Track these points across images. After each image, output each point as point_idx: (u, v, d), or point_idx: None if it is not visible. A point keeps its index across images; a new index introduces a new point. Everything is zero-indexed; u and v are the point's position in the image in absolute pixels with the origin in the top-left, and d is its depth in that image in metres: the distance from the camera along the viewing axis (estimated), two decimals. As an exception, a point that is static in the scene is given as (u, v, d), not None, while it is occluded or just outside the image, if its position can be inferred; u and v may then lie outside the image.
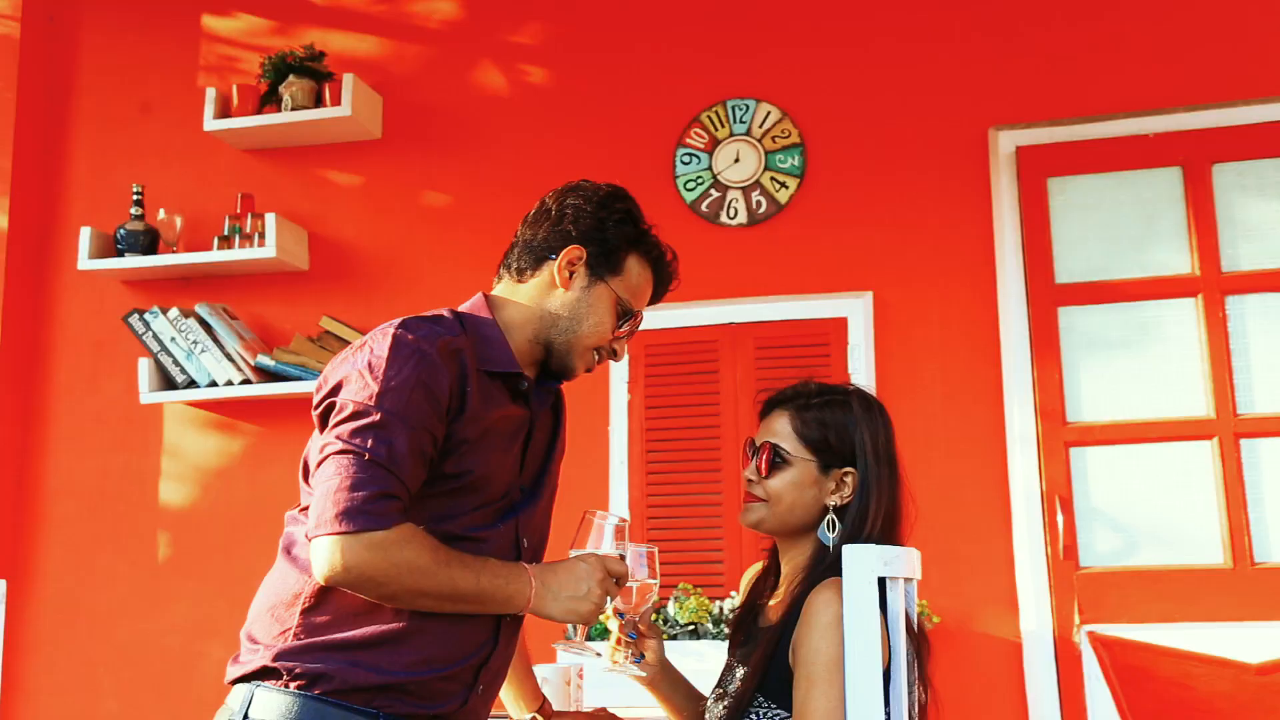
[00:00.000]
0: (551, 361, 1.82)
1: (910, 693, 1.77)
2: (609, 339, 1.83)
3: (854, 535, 1.81)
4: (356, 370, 1.64)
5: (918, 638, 1.83)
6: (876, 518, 1.83)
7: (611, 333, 1.82)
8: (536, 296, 1.81)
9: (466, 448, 1.68)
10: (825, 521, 1.85)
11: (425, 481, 1.65)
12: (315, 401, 1.70)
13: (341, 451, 1.59)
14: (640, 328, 1.90)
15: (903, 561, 1.78)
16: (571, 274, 1.80)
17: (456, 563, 1.63)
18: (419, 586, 1.60)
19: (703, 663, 2.97)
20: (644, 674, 1.90)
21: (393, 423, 1.59)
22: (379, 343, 1.66)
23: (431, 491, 1.66)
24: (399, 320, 1.69)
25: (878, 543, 1.77)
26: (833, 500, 1.86)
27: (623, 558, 1.75)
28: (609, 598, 1.73)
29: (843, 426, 1.87)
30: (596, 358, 1.85)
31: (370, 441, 1.58)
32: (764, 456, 1.88)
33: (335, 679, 1.62)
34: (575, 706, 2.45)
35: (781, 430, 1.90)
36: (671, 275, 1.89)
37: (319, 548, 1.57)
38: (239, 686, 1.68)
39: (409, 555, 1.57)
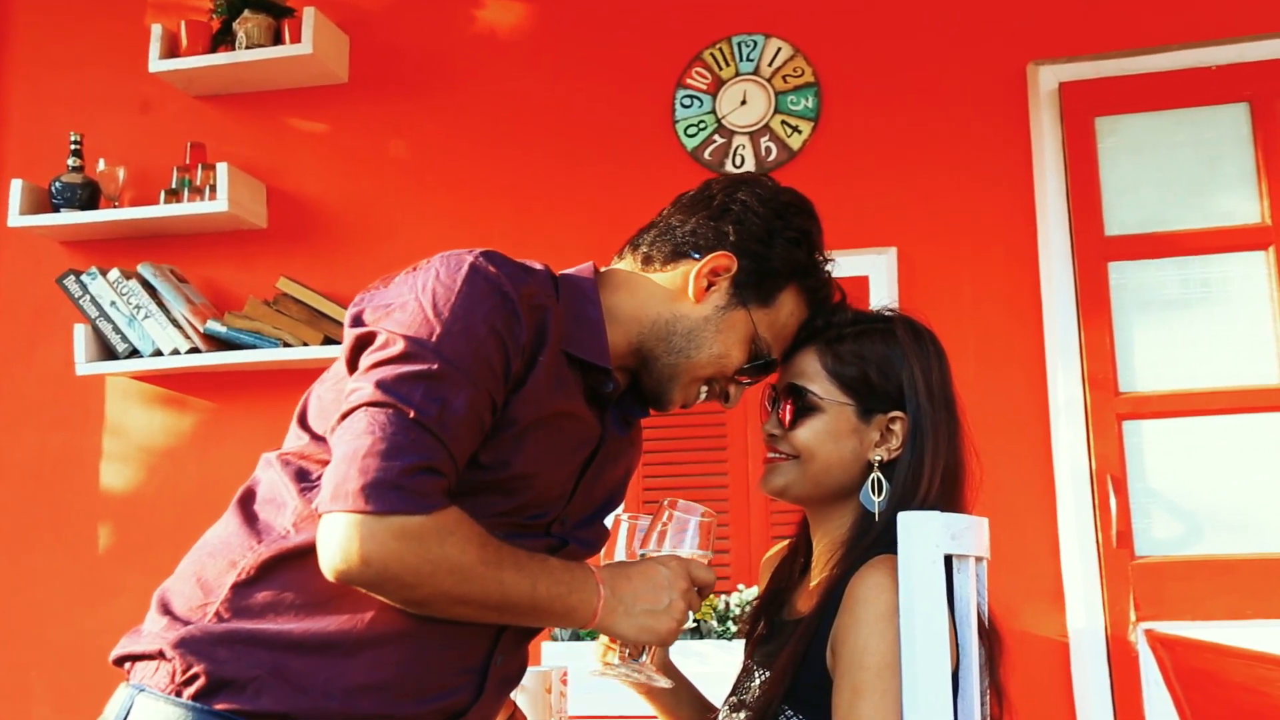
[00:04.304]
0: (645, 380, 1.46)
1: (982, 704, 1.39)
2: (727, 377, 1.47)
3: (907, 498, 1.45)
4: (415, 296, 1.29)
5: (989, 633, 1.44)
6: (934, 475, 1.47)
7: (733, 372, 1.47)
8: (657, 295, 1.45)
9: (513, 433, 1.32)
10: (869, 481, 1.48)
11: None
12: (350, 317, 1.34)
13: (378, 404, 1.24)
14: None
15: (973, 534, 1.39)
16: (710, 285, 1.44)
17: (509, 563, 1.28)
18: (458, 592, 1.24)
19: (705, 665, 2.84)
20: (643, 678, 1.52)
21: (453, 375, 1.25)
22: (448, 267, 1.31)
23: None
24: (478, 249, 1.33)
25: (937, 508, 1.39)
26: (878, 454, 1.49)
27: (710, 563, 1.43)
28: (691, 613, 1.39)
29: (886, 360, 1.51)
30: (701, 394, 1.48)
31: (419, 395, 1.23)
32: (788, 403, 1.52)
33: (246, 691, 1.25)
34: (557, 718, 2.11)
35: (809, 369, 1.52)
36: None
37: (331, 528, 1.21)
38: (121, 690, 1.34)
39: (450, 551, 1.22)
